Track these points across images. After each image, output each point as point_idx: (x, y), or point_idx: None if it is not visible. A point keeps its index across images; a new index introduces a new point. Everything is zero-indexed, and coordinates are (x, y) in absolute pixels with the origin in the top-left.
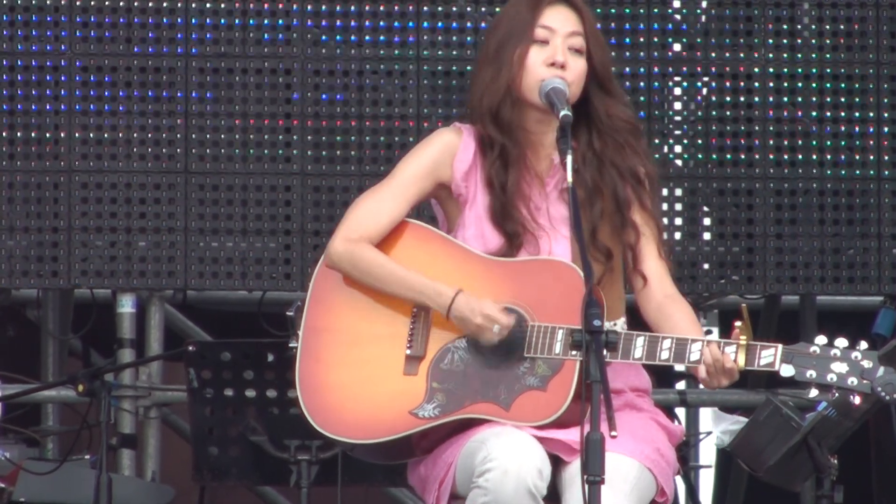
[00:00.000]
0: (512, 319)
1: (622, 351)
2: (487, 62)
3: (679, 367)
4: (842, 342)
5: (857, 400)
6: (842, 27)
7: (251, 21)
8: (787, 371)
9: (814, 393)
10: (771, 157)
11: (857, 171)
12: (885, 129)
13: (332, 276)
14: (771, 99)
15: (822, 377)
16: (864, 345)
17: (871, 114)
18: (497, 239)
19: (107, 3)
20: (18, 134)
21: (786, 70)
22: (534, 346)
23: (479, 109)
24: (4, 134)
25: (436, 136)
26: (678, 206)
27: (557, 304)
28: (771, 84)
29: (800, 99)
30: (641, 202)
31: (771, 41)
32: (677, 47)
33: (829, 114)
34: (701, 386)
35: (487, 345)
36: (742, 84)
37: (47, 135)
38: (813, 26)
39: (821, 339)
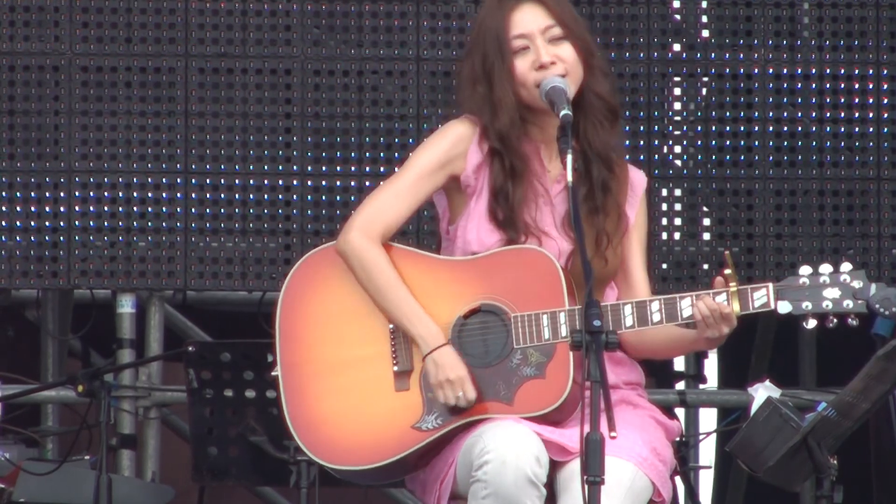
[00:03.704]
0: (473, 396)
1: (612, 322)
2: (476, 79)
3: (680, 350)
4: (826, 268)
5: (855, 322)
6: (842, 27)
7: (251, 21)
8: (784, 308)
9: (812, 323)
10: (771, 157)
11: (857, 172)
12: (885, 129)
13: (296, 309)
14: (770, 99)
15: (818, 306)
16: (848, 265)
17: (871, 114)
18: (497, 235)
19: (107, 3)
20: (18, 134)
21: (785, 70)
22: (521, 336)
23: (503, 131)
24: (4, 134)
25: (450, 128)
26: (678, 207)
27: (534, 291)
28: (771, 84)
29: (799, 99)
30: (615, 191)
31: (771, 41)
32: (677, 47)
33: (828, 114)
34: (701, 386)
35: (440, 401)
36: (742, 84)
37: (47, 135)
38: (813, 26)
39: (805, 269)
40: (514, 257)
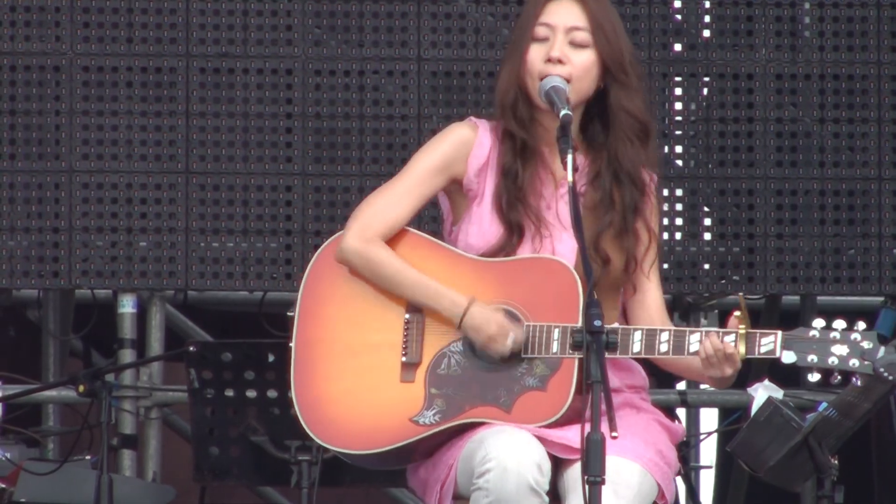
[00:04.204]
0: (522, 332)
1: (621, 346)
2: (505, 61)
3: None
4: (840, 324)
5: (858, 382)
6: (842, 27)
7: (251, 21)
8: (788, 357)
9: (815, 377)
10: (771, 157)
11: (858, 172)
12: (886, 130)
13: (321, 286)
14: (771, 99)
15: (824, 361)
16: (861, 325)
17: (872, 114)
18: (498, 229)
19: (107, 3)
20: (19, 134)
21: (786, 70)
22: (531, 346)
23: (500, 105)
24: (4, 134)
25: (451, 132)
26: (679, 207)
27: (551, 303)
28: (771, 84)
29: (800, 99)
30: (645, 213)
31: (772, 41)
32: (678, 47)
33: (829, 114)
34: (702, 386)
35: (496, 356)
36: (743, 84)
37: (48, 135)
38: (813, 26)
39: (819, 323)
40: (538, 266)
